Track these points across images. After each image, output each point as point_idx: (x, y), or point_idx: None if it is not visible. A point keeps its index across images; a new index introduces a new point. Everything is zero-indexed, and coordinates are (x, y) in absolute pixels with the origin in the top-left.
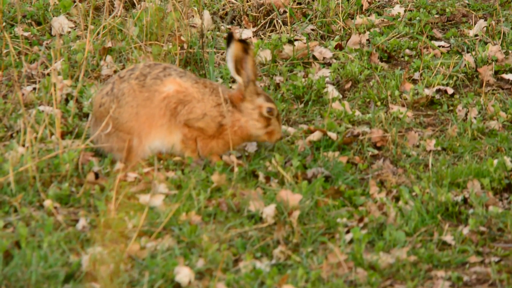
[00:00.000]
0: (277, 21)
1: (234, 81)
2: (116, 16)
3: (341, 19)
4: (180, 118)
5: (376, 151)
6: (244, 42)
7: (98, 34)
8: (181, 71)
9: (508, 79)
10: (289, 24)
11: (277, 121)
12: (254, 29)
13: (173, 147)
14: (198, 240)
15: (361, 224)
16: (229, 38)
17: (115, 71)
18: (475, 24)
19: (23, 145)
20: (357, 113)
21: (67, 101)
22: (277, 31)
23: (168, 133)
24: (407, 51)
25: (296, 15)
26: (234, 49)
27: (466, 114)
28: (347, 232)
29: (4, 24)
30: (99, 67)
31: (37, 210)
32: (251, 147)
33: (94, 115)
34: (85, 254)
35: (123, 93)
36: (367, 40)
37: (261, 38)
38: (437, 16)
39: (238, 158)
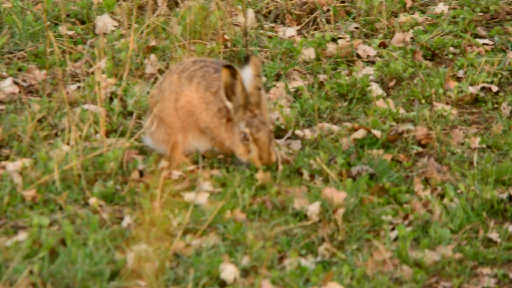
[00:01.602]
0: (320, 19)
1: (278, 79)
2: (160, 14)
3: (385, 17)
4: (193, 128)
5: (420, 149)
6: (231, 68)
7: (141, 32)
8: (213, 62)
9: None
10: (332, 22)
11: (256, 147)
12: (298, 28)
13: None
14: (243, 238)
15: (406, 222)
16: (246, 59)
17: (159, 70)
18: None
19: (68, 144)
20: (401, 111)
21: (111, 99)
22: (321, 30)
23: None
24: (451, 49)
25: (339, 13)
26: (222, 76)
27: (511, 112)
28: (392, 229)
29: (48, 23)
30: (143, 65)
31: (82, 208)
32: (296, 145)
33: (148, 103)
34: (130, 252)
35: (166, 88)
36: (411, 38)
37: (305, 37)
38: (481, 14)
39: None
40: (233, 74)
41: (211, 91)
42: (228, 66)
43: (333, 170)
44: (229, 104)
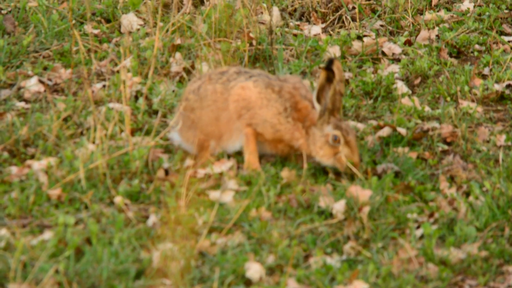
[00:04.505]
0: (346, 17)
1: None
2: (185, 13)
3: (410, 15)
4: (243, 121)
5: (446, 147)
6: (330, 71)
7: (167, 31)
8: (260, 73)
9: None
10: (358, 20)
11: (346, 148)
12: (323, 25)
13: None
14: (269, 236)
15: (431, 220)
16: (329, 63)
17: (184, 68)
18: None
19: (93, 142)
20: (427, 108)
21: (136, 98)
22: (346, 27)
23: (240, 133)
24: (477, 46)
25: (365, 11)
26: (320, 77)
27: None
28: (418, 227)
29: (74, 21)
30: (168, 64)
31: (108, 207)
32: None
33: (182, 106)
34: (155, 251)
35: (207, 95)
36: (437, 35)
37: (330, 34)
38: (506, 11)
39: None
40: (330, 78)
41: (273, 89)
42: (327, 69)
43: (359, 168)
44: (317, 106)
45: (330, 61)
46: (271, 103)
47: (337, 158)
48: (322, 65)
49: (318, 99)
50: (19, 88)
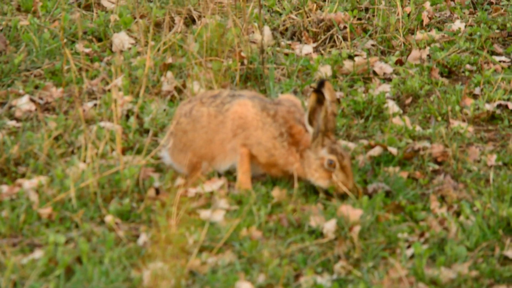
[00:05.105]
0: (337, 36)
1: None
2: (177, 32)
3: (402, 35)
4: (238, 141)
5: (436, 166)
6: (319, 93)
7: (158, 50)
8: (254, 96)
9: None
10: (349, 39)
11: (341, 173)
12: (314, 45)
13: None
14: (259, 255)
15: (422, 239)
16: (319, 85)
17: (175, 87)
18: None
19: (84, 161)
20: (418, 128)
21: (127, 117)
22: (337, 47)
23: (235, 154)
24: (468, 66)
25: (356, 31)
26: (310, 100)
27: None
28: (408, 247)
29: (65, 40)
30: (160, 83)
31: (98, 226)
32: None
33: (174, 129)
34: (146, 270)
35: (200, 116)
36: (428, 55)
37: (321, 54)
38: (497, 31)
39: None
40: (320, 100)
41: (269, 113)
42: (317, 91)
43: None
44: (310, 129)
45: (321, 83)
46: (266, 126)
47: (332, 181)
48: (313, 86)
49: (310, 122)
50: (10, 107)
